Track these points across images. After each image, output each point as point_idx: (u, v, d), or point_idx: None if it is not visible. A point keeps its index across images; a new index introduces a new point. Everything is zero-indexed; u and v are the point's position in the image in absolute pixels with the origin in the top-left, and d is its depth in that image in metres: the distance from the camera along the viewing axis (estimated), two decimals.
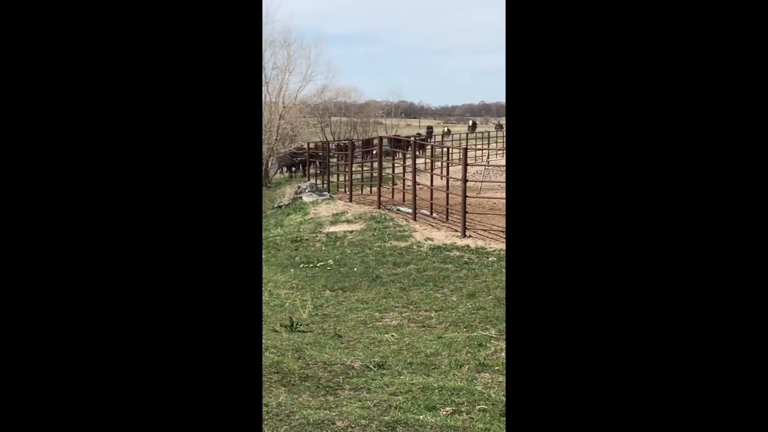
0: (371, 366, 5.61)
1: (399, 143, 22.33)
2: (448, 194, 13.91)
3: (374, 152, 17.92)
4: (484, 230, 12.35)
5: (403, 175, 17.01)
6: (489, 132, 40.31)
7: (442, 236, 11.92)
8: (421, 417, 4.28)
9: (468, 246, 11.14)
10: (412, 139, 20.57)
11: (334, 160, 20.62)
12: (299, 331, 6.90)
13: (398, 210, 14.50)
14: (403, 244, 11.64)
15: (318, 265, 10.82)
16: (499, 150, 28.69)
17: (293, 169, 27.12)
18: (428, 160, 19.63)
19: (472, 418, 4.37)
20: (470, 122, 50.93)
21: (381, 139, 17.99)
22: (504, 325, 7.14)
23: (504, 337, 6.75)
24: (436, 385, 5.03)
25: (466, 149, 13.58)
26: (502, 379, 5.43)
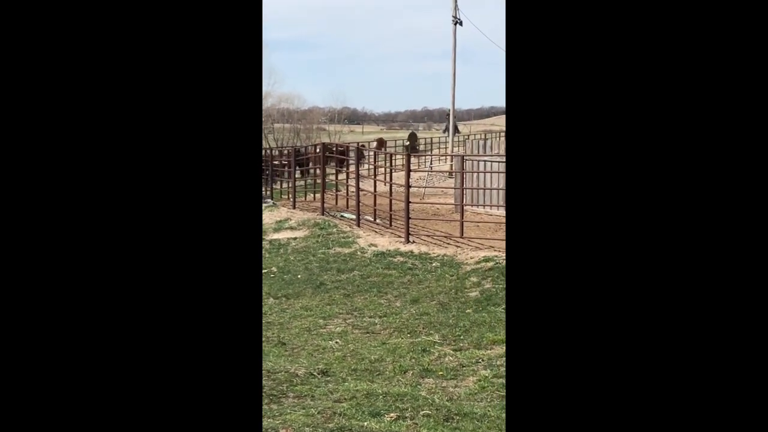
0: (315, 373, 5.58)
1: (342, 152, 22.29)
2: (391, 200, 13.95)
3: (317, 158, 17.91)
4: (428, 236, 12.42)
5: (347, 182, 17.01)
6: (432, 138, 40.40)
7: (385, 242, 11.94)
8: (366, 423, 4.28)
9: (411, 252, 11.18)
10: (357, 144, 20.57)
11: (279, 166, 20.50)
12: None
13: (342, 216, 14.48)
14: (346, 251, 11.63)
15: (261, 272, 10.73)
16: (442, 156, 28.89)
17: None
18: (371, 166, 19.70)
19: (417, 424, 4.38)
20: (410, 133, 38.02)
21: (324, 145, 17.96)
22: (447, 330, 7.19)
23: (447, 342, 6.79)
24: (380, 391, 5.03)
25: (409, 155, 13.65)
26: (446, 384, 5.47)
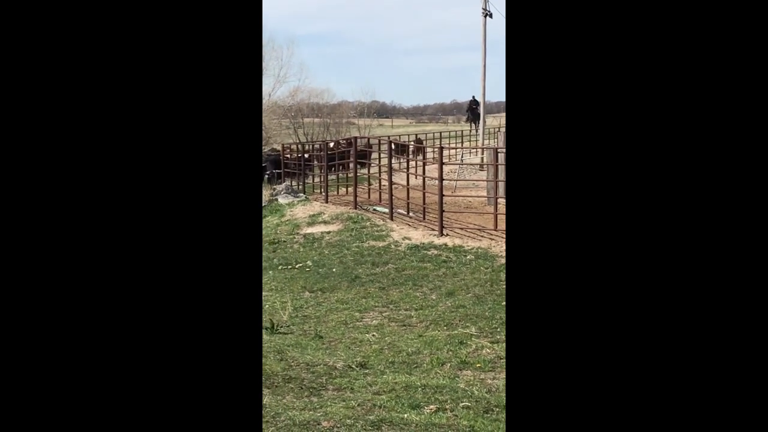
0: (353, 366, 5.62)
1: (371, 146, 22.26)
2: (424, 193, 13.95)
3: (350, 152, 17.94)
4: (461, 228, 12.41)
5: (379, 175, 17.02)
6: (463, 131, 40.22)
7: (419, 235, 11.95)
8: (406, 415, 4.31)
9: (445, 244, 11.18)
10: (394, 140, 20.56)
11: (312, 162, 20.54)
12: (280, 332, 6.89)
13: (375, 210, 14.51)
14: (381, 244, 11.66)
15: (296, 266, 10.80)
16: (473, 149, 28.78)
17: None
18: (403, 160, 19.68)
19: (456, 416, 4.41)
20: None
21: (356, 139, 17.99)
22: (484, 322, 7.19)
23: (484, 334, 6.80)
24: (418, 383, 5.06)
25: (441, 148, 13.64)
26: (484, 376, 5.48)
